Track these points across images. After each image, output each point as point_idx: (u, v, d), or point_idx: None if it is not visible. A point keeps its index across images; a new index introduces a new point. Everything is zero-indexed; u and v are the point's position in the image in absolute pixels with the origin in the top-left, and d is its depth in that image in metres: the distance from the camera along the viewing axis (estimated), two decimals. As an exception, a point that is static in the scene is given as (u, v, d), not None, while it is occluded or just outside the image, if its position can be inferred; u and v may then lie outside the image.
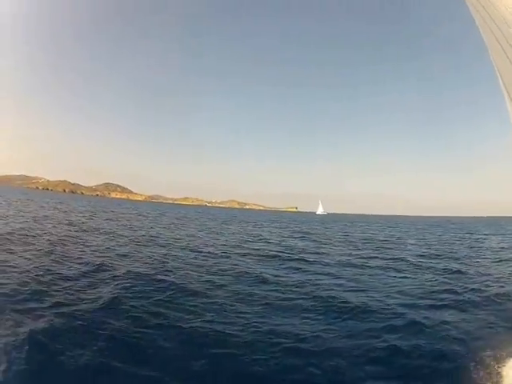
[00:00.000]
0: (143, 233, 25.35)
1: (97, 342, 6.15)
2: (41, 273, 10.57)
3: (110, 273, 11.50)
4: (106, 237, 20.63)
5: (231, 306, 8.98)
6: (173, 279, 11.18)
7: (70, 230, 21.81)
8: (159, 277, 11.33)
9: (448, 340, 6.94)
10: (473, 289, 11.30)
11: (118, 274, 11.25)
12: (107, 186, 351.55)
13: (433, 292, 11.11)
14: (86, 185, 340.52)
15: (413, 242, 30.40)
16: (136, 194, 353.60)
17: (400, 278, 13.49)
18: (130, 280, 10.59)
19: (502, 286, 11.84)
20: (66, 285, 9.59)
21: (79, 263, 12.59)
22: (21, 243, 15.39)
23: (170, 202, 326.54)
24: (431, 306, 9.44)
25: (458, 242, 30.06)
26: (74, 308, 7.71)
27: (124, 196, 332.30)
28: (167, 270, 12.60)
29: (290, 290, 10.93)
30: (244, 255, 18.29)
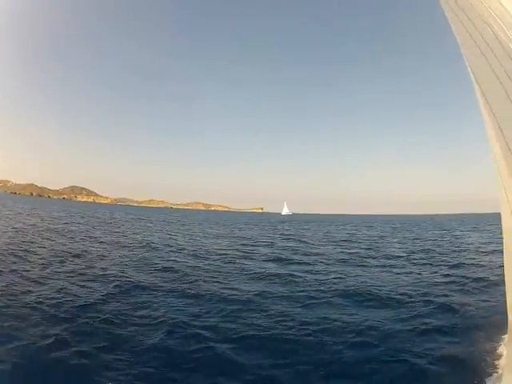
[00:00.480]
0: (135, 239, 25.37)
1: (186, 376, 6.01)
2: (69, 299, 9.49)
3: (142, 291, 10.99)
4: (105, 246, 20.52)
5: (280, 309, 9.71)
6: (209, 291, 11.25)
7: (66, 244, 20.73)
8: (193, 291, 11.24)
9: (476, 318, 8.65)
10: (476, 278, 13.20)
11: (153, 293, 10.84)
12: (73, 189, 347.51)
13: (441, 283, 12.83)
14: (53, 188, 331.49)
15: (396, 240, 32.07)
16: (102, 196, 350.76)
17: (405, 273, 15.09)
18: (172, 299, 10.33)
19: (499, 274, 13.25)
20: (107, 310, 8.80)
21: (98, 281, 11.84)
22: (21, 261, 14.11)
23: (136, 204, 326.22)
24: (447, 294, 11.08)
25: (439, 239, 32.75)
26: (144, 344, 7.00)
27: (90, 199, 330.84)
28: (192, 282, 12.55)
29: (318, 290, 12.00)
30: (248, 259, 19.28)
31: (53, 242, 20.39)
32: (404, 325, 8.31)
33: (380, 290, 11.60)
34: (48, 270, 12.88)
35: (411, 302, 10.23)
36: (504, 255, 2.62)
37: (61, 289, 10.38)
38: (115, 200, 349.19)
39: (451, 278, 13.33)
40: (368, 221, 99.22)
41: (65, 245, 19.80)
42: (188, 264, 16.13)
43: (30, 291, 9.92)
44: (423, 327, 8.08)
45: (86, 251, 17.81)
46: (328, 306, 10.01)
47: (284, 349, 7.07)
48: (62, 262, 14.58)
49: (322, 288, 12.13)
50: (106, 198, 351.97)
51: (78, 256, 16.24)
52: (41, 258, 14.92)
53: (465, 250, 22.33)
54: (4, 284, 10.27)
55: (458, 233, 40.89)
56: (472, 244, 26.32)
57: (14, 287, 10.14)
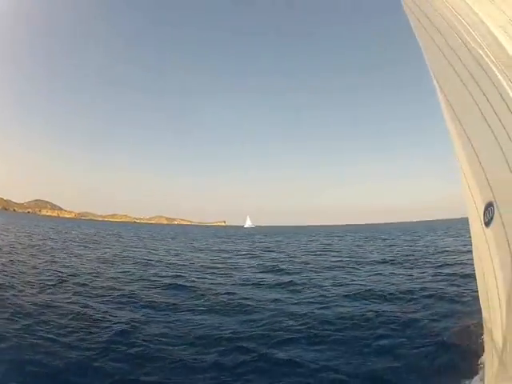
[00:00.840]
0: (120, 255, 25.04)
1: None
2: (95, 325, 8.94)
3: (163, 310, 10.87)
4: (95, 264, 20.06)
5: (300, 312, 10.50)
6: (225, 303, 11.73)
7: (55, 261, 19.87)
8: (211, 305, 11.52)
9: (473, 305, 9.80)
10: (463, 275, 14.80)
11: (174, 311, 10.81)
12: (37, 202, 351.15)
13: (433, 280, 14.43)
14: (17, 201, 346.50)
15: (373, 248, 34.47)
16: (66, 211, 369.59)
17: (396, 275, 16.61)
18: (197, 316, 10.33)
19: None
20: (142, 334, 8.52)
21: (111, 302, 11.53)
22: (19, 282, 13.38)
23: (100, 219, 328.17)
24: (443, 289, 12.66)
25: (414, 245, 35.17)
26: (196, 366, 6.96)
27: (54, 214, 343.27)
28: (203, 296, 12.70)
29: (322, 295, 12.97)
30: (240, 270, 20.01)
31: (40, 260, 19.87)
32: (416, 315, 9.70)
33: (381, 290, 12.93)
34: (52, 292, 12.35)
35: (414, 297, 11.70)
36: (474, 258, 2.70)
37: (78, 314, 9.78)
38: (79, 214, 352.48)
39: (441, 277, 15.05)
40: (335, 231, 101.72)
41: (54, 262, 19.42)
42: (187, 278, 16.45)
43: (46, 321, 8.96)
44: (432, 317, 9.42)
45: (78, 269, 17.53)
46: (341, 307, 11.06)
47: (323, 345, 7.96)
48: (61, 282, 14.17)
49: (325, 293, 13.18)
50: (70, 212, 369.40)
51: (74, 275, 15.94)
52: (38, 279, 14.40)
53: (442, 252, 24.61)
54: (11, 312, 9.44)
55: (429, 238, 43.62)
56: (449, 246, 28.36)
57: (26, 315, 9.27)
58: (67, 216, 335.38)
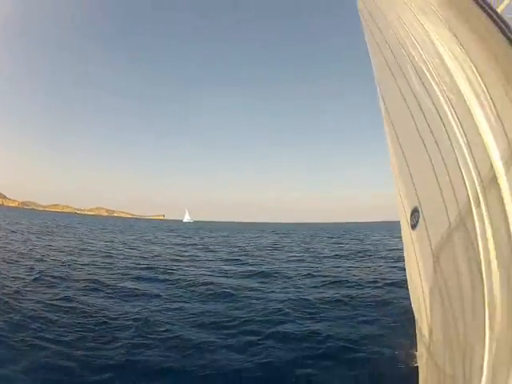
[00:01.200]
0: (79, 247, 23.48)
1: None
2: (108, 320, 8.63)
3: (160, 300, 11.10)
4: (67, 256, 18.80)
5: (283, 298, 11.48)
6: (210, 291, 12.29)
7: (23, 253, 18.78)
8: (201, 294, 11.96)
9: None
10: None
11: (168, 301, 11.02)
12: None
13: (392, 272, 16.12)
14: None
15: (323, 244, 36.33)
16: (10, 199, 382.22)
17: (355, 268, 18.03)
18: (197, 304, 10.74)
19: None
20: (161, 324, 8.56)
21: (111, 296, 11.27)
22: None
23: (41, 208, 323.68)
24: (402, 278, 13.50)
25: (361, 243, 37.68)
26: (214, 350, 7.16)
27: None
28: (189, 287, 13.14)
29: (296, 284, 14.05)
30: (203, 261, 20.57)
31: (8, 253, 18.26)
32: (385, 298, 11.25)
33: (347, 280, 14.34)
34: (37, 287, 11.61)
35: (378, 285, 13.25)
36: (404, 256, 2.68)
37: (75, 310, 9.31)
38: (22, 203, 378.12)
39: (398, 270, 16.54)
40: (278, 229, 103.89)
41: (22, 254, 18.40)
42: (159, 270, 16.53)
43: (49, 322, 8.24)
44: (399, 300, 10.70)
45: (49, 262, 16.74)
46: (316, 293, 12.16)
47: (316, 322, 9.00)
48: (40, 276, 13.35)
49: (295, 283, 14.17)
50: (14, 201, 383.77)
51: (48, 268, 15.15)
52: (16, 274, 13.45)
53: (392, 250, 26.68)
54: (7, 313, 8.64)
55: (373, 237, 47.54)
56: (397, 245, 30.81)
57: (23, 315, 8.50)
58: (11, 204, 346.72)
